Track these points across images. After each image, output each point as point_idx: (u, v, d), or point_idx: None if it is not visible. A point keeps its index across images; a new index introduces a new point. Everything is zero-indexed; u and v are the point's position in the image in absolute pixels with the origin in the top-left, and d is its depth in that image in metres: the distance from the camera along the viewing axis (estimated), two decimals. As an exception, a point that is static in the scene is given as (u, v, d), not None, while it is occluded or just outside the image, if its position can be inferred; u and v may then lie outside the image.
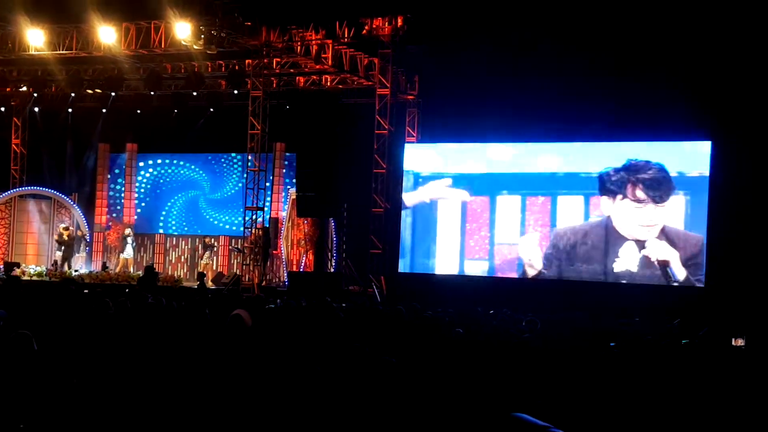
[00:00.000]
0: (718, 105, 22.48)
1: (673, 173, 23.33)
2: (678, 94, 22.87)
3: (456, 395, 7.06)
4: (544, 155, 25.03)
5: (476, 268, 25.23)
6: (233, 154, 30.00)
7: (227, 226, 30.01)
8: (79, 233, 30.36)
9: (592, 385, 7.44)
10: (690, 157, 23.47)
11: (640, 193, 23.46)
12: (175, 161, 31.15)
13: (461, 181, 25.52)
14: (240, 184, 29.01)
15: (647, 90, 23.48)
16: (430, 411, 6.81)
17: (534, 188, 24.88)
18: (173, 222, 30.96)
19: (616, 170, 23.73)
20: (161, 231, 30.92)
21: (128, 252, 29.75)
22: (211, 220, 30.44)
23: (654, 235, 23.28)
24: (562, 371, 8.08)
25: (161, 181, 31.21)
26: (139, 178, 31.32)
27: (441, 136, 26.53)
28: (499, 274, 24.86)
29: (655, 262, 23.14)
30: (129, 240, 29.79)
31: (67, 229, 29.75)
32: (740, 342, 10.12)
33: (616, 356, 8.66)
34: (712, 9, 21.94)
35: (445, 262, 25.50)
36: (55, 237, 29.92)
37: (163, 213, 31.09)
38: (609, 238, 23.79)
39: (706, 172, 22.92)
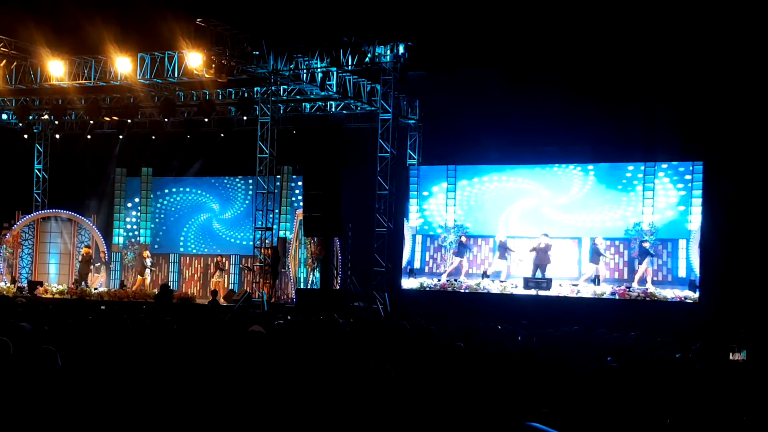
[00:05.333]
0: (709, 125, 22.40)
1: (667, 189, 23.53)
2: (670, 116, 22.90)
3: (466, 406, 6.88)
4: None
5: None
6: (243, 177, 29.84)
7: (237, 244, 29.78)
8: (101, 254, 30.27)
9: (595, 397, 7.26)
10: (683, 176, 23.45)
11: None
12: (187, 184, 31.00)
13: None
14: (248, 205, 28.85)
15: (641, 113, 23.54)
16: (441, 421, 6.62)
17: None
18: (186, 242, 30.77)
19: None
20: (175, 251, 30.72)
21: (146, 272, 29.55)
22: (223, 239, 30.24)
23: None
24: (564, 382, 7.90)
25: (174, 202, 31.04)
26: (154, 200, 31.18)
27: (441, 158, 26.47)
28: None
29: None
30: (147, 262, 29.60)
31: (88, 247, 29.66)
32: (738, 356, 9.84)
33: (615, 369, 8.47)
34: (700, 34, 21.92)
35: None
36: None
37: (177, 234, 30.90)
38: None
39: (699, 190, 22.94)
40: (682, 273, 23.17)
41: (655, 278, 23.39)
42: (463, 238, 25.67)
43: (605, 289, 23.07)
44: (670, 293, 22.52)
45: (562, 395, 7.51)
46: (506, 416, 6.64)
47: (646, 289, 22.81)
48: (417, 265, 26.24)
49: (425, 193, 26.37)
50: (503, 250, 25.03)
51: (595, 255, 23.88)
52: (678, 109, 22.95)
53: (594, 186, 24.71)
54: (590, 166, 24.72)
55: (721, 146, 22.39)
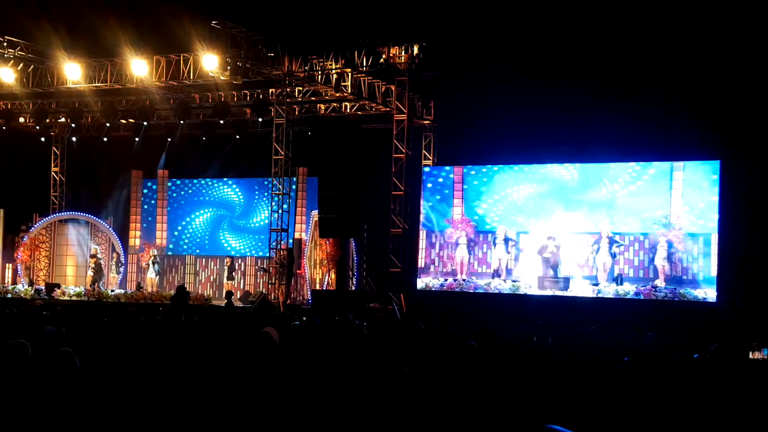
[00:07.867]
0: (727, 124, 22.23)
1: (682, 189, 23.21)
2: (687, 114, 22.74)
3: (484, 407, 6.86)
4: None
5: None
6: (259, 179, 29.87)
7: (253, 247, 29.84)
8: (114, 255, 30.37)
9: (612, 398, 7.23)
10: (700, 175, 23.10)
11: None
12: (203, 186, 31.05)
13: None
14: (265, 207, 28.87)
15: (656, 112, 23.40)
16: (459, 423, 6.61)
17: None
18: (202, 243, 30.81)
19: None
20: (191, 252, 30.77)
21: (151, 273, 29.60)
22: (237, 242, 30.27)
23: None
24: (580, 383, 7.87)
25: (190, 204, 31.10)
26: (170, 202, 31.25)
27: (456, 159, 26.40)
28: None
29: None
30: (153, 261, 29.65)
31: (94, 256, 29.76)
32: (757, 355, 9.77)
33: (631, 369, 8.43)
34: (717, 31, 21.83)
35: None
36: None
37: (193, 235, 30.95)
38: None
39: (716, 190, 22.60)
40: (714, 272, 22.35)
41: (684, 276, 22.73)
42: (471, 234, 25.46)
43: (629, 289, 22.49)
44: (701, 293, 21.94)
45: (579, 396, 7.48)
46: (524, 418, 6.62)
47: (675, 288, 22.24)
48: (422, 264, 25.88)
49: (430, 185, 26.22)
50: (506, 243, 24.87)
51: (605, 249, 23.40)
52: (696, 108, 22.77)
53: (614, 184, 24.33)
54: (605, 165, 24.57)
55: (739, 145, 22.25)
